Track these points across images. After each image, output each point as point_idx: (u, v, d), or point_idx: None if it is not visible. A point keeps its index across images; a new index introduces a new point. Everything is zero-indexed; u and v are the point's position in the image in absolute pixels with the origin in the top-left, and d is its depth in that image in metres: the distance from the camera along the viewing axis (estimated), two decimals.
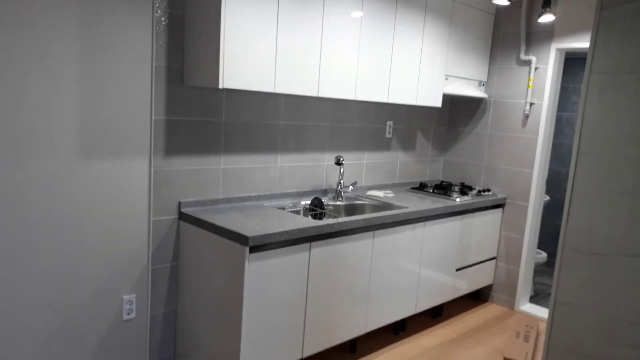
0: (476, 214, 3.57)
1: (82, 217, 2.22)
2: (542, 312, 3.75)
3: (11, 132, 1.98)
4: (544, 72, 3.58)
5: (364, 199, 3.27)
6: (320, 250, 2.50)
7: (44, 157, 2.07)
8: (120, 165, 2.30)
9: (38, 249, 2.11)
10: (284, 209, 2.86)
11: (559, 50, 3.52)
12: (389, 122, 3.61)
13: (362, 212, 3.20)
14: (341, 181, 3.19)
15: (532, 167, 3.67)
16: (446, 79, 3.49)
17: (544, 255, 4.29)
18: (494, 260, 3.90)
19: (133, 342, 2.47)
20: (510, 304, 3.85)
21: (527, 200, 3.72)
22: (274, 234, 2.23)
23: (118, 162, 2.29)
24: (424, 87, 3.28)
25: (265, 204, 2.83)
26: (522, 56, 3.64)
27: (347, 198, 3.26)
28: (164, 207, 2.48)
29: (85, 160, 2.19)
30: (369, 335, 3.21)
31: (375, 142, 3.54)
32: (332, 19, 2.62)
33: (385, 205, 3.15)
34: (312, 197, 3.11)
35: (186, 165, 2.52)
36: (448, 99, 4.10)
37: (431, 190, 3.65)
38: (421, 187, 3.74)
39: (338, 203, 3.17)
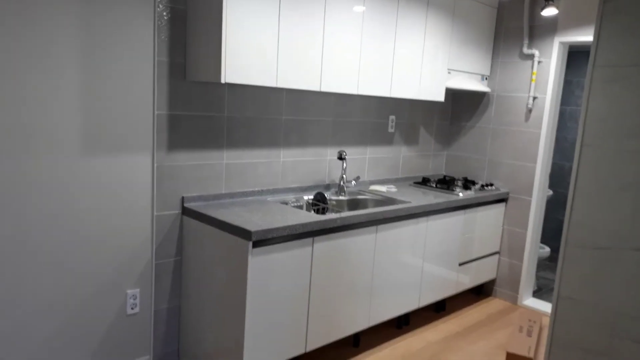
0: (479, 208, 3.57)
1: (85, 212, 2.23)
2: (545, 307, 3.75)
3: (13, 129, 1.99)
4: (547, 65, 3.56)
5: (366, 193, 3.27)
6: (323, 245, 2.51)
7: (46, 153, 2.08)
8: (123, 161, 2.31)
9: (41, 245, 2.12)
10: (286, 203, 2.86)
11: (562, 43, 3.50)
12: (392, 117, 3.61)
13: (365, 207, 3.20)
14: (344, 176, 3.19)
15: (535, 162, 3.66)
16: (449, 73, 3.48)
17: (547, 249, 4.29)
18: (497, 255, 3.90)
19: (137, 337, 2.49)
20: (513, 299, 3.85)
21: (530, 194, 3.71)
22: (277, 229, 2.24)
23: (121, 158, 2.30)
24: (426, 81, 3.27)
25: (268, 199, 2.83)
26: (525, 50, 3.62)
27: (350, 193, 3.26)
28: (167, 202, 2.48)
29: (88, 155, 2.20)
30: (373, 329, 3.22)
31: (377, 136, 3.54)
32: (334, 13, 2.61)
33: (388, 200, 3.15)
34: (314, 192, 3.12)
35: (189, 160, 2.53)
36: (451, 93, 4.09)
37: (434, 185, 3.65)
38: (424, 182, 3.73)
39: (341, 198, 3.17)
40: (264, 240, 2.23)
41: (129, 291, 2.42)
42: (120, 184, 2.31)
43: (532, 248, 3.76)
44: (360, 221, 2.65)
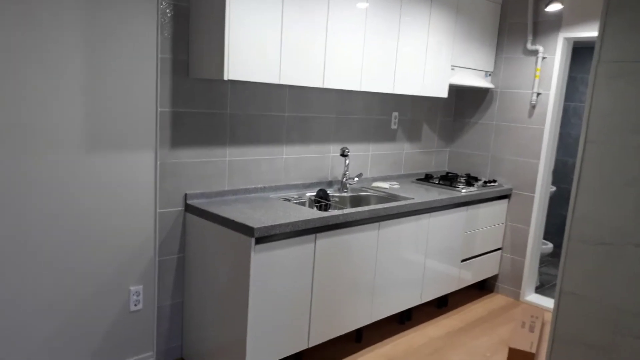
0: (482, 204, 3.57)
1: (88, 210, 2.23)
2: (547, 303, 3.75)
3: (15, 127, 1.99)
4: (551, 61, 3.55)
5: (369, 190, 3.27)
6: (326, 242, 2.51)
7: (49, 150, 2.09)
8: (126, 158, 2.31)
9: (45, 243, 2.13)
10: (289, 200, 2.87)
11: (566, 39, 3.48)
12: (395, 113, 3.60)
13: (368, 204, 3.20)
14: (346, 173, 3.19)
15: (538, 158, 3.65)
16: (452, 69, 3.47)
17: (550, 245, 4.28)
18: (500, 251, 3.89)
19: (140, 333, 2.50)
20: (516, 295, 3.85)
21: (533, 190, 3.70)
22: (280, 225, 2.24)
23: (124, 155, 2.30)
24: (429, 77, 3.26)
25: (271, 196, 2.84)
26: (529, 46, 3.61)
27: (353, 189, 3.26)
28: (170, 199, 2.49)
29: (91, 152, 2.21)
30: (375, 325, 3.22)
31: (380, 133, 3.53)
32: (337, 10, 2.61)
33: (390, 197, 3.15)
34: (317, 189, 3.12)
35: (192, 157, 2.53)
36: (454, 89, 4.08)
37: (437, 182, 3.65)
38: (427, 178, 3.73)
39: (343, 194, 3.17)
40: (266, 236, 2.23)
41: (132, 288, 2.43)
42: (123, 182, 2.32)
43: (535, 244, 3.76)
44: (362, 218, 2.65)
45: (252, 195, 2.80)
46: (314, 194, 3.04)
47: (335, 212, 2.54)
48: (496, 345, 3.10)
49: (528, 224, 3.75)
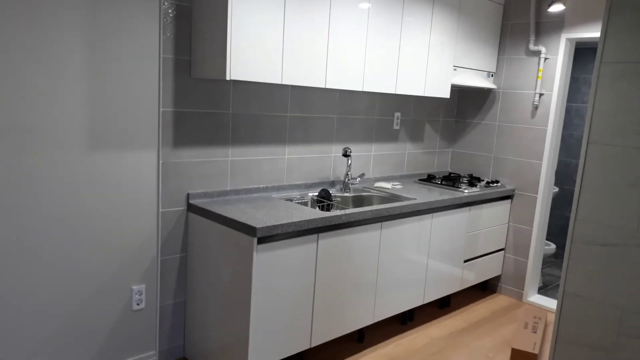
0: (484, 205, 3.56)
1: (90, 209, 2.24)
2: (550, 304, 3.74)
3: (18, 125, 2.00)
4: (554, 62, 3.54)
5: (371, 190, 3.27)
6: (328, 242, 2.51)
7: (52, 150, 2.09)
8: (129, 158, 2.32)
9: (47, 242, 2.14)
10: (291, 200, 2.87)
11: (569, 40, 3.48)
12: (397, 114, 3.60)
13: (370, 204, 3.20)
14: (349, 173, 3.19)
15: (541, 159, 3.65)
16: (454, 69, 3.47)
17: (553, 246, 4.27)
18: (502, 252, 3.89)
19: (142, 332, 2.50)
20: (519, 295, 3.84)
21: (536, 191, 3.70)
22: (282, 225, 2.24)
23: (126, 154, 2.31)
24: (432, 78, 3.26)
25: (273, 196, 2.84)
26: (532, 46, 3.60)
27: (355, 190, 3.26)
28: (172, 199, 2.49)
29: (94, 152, 2.21)
30: (377, 325, 3.22)
31: (382, 133, 3.53)
32: (339, 10, 2.61)
33: (393, 197, 3.15)
34: (319, 189, 3.12)
35: (194, 157, 2.53)
36: (456, 90, 4.07)
37: (439, 182, 3.64)
38: (429, 179, 3.73)
39: (346, 194, 3.18)
40: (269, 236, 2.23)
41: (135, 287, 2.44)
42: (125, 181, 2.32)
43: (538, 245, 3.75)
44: (365, 218, 2.65)
45: (255, 195, 2.80)
46: (316, 194, 3.04)
47: (337, 212, 2.54)
48: (499, 346, 3.10)
49: (531, 225, 3.74)
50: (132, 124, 2.30)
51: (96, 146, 2.21)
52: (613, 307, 1.78)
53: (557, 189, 4.59)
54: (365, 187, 3.32)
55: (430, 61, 3.22)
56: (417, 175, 3.89)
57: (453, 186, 3.51)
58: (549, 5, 3.43)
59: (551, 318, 3.53)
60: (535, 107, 3.65)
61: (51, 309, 2.19)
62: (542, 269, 4.60)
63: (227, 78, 2.21)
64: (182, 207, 2.54)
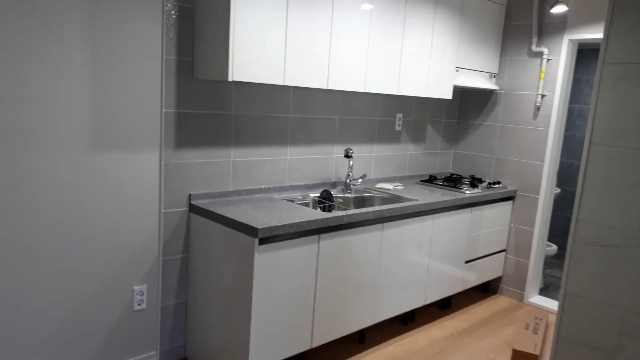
0: (486, 206, 3.56)
1: (92, 209, 2.24)
2: (551, 305, 3.74)
3: (19, 124, 2.00)
4: (556, 63, 3.54)
5: (373, 191, 3.27)
6: (329, 242, 2.51)
7: (53, 149, 2.10)
8: (131, 158, 2.32)
9: (49, 242, 2.14)
10: (293, 201, 2.87)
11: (571, 41, 3.48)
12: (399, 115, 3.60)
13: (372, 205, 3.20)
14: (350, 174, 3.19)
15: (543, 160, 3.65)
16: (457, 70, 3.47)
17: (554, 247, 4.27)
18: (504, 253, 3.89)
19: (144, 333, 2.51)
20: (520, 296, 3.84)
21: (537, 192, 3.69)
22: (283, 226, 2.25)
23: (128, 155, 2.31)
24: (434, 79, 3.26)
25: (275, 197, 2.84)
26: (534, 48, 3.60)
27: (356, 190, 3.26)
28: (174, 200, 2.50)
29: (96, 152, 2.22)
30: (378, 326, 3.22)
31: (384, 134, 3.54)
32: (341, 11, 2.61)
33: (394, 198, 3.15)
34: (321, 190, 3.12)
35: (196, 157, 2.54)
36: (458, 91, 4.07)
37: (441, 183, 3.64)
38: (431, 180, 3.73)
39: (347, 195, 3.18)
40: (270, 237, 2.24)
41: (136, 287, 2.44)
42: (127, 182, 2.33)
43: (539, 246, 3.75)
44: (366, 219, 2.65)
45: (256, 195, 2.81)
46: (318, 195, 3.04)
47: (339, 213, 2.54)
48: (500, 347, 3.10)
49: (532, 226, 3.74)
50: (134, 124, 2.31)
51: (98, 147, 2.22)
52: (615, 308, 1.78)
53: (559, 190, 4.58)
54: (366, 188, 3.33)
55: (432, 62, 3.22)
56: (419, 176, 3.88)
57: (455, 187, 3.51)
58: (552, 7, 3.42)
59: (552, 319, 3.53)
60: (538, 108, 3.65)
61: (52, 309, 2.20)
62: (543, 270, 4.59)
63: (230, 79, 2.21)
64: (184, 208, 2.54)
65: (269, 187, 2.87)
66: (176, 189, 2.50)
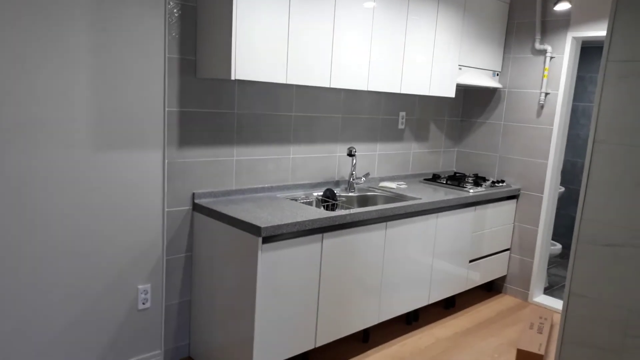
0: (490, 205, 3.55)
1: (96, 208, 2.25)
2: (556, 304, 3.73)
3: (25, 125, 2.01)
4: (560, 61, 3.52)
5: (376, 190, 3.27)
6: (333, 241, 2.51)
7: (58, 149, 2.10)
8: (134, 157, 2.33)
9: (53, 241, 2.15)
10: (296, 200, 2.87)
11: (575, 39, 3.46)
12: (402, 113, 3.59)
13: (375, 204, 3.20)
14: (353, 172, 3.19)
15: (546, 158, 3.63)
16: (460, 69, 3.46)
17: (559, 246, 4.25)
18: (508, 252, 3.87)
19: (148, 331, 2.51)
20: (524, 296, 3.83)
21: (541, 191, 3.68)
22: (287, 225, 2.25)
23: (132, 154, 2.32)
24: (437, 77, 3.25)
25: (278, 195, 2.84)
26: (537, 45, 3.59)
27: (360, 189, 3.26)
28: (178, 198, 2.50)
29: (99, 151, 2.22)
30: (382, 325, 3.22)
31: (387, 133, 3.53)
32: (344, 9, 2.61)
33: (398, 197, 3.14)
34: (324, 189, 3.12)
35: (200, 156, 2.54)
36: (462, 89, 4.06)
37: (444, 182, 3.63)
38: (434, 179, 3.72)
39: (350, 194, 3.17)
40: (273, 236, 2.24)
41: (140, 286, 2.45)
42: (131, 181, 2.33)
43: (544, 245, 3.74)
44: (369, 217, 2.64)
45: (260, 194, 2.81)
46: (321, 193, 3.04)
47: (342, 211, 2.54)
48: (504, 346, 3.09)
49: (537, 225, 3.72)
50: (138, 123, 2.31)
51: (101, 146, 2.22)
52: (619, 308, 1.77)
53: (563, 189, 4.57)
54: (370, 187, 3.32)
55: (435, 60, 3.21)
56: (422, 175, 3.88)
57: (458, 186, 3.50)
58: (555, 4, 3.41)
59: (557, 319, 3.52)
60: (541, 107, 3.63)
61: (57, 308, 2.20)
62: (547, 269, 4.58)
63: (232, 78, 2.21)
64: (188, 207, 2.55)
65: (272, 186, 2.87)
66: (180, 188, 2.50)
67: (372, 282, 2.79)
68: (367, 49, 2.78)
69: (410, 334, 3.16)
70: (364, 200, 3.21)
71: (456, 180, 3.65)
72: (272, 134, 2.83)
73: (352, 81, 2.74)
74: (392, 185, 3.38)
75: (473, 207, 3.40)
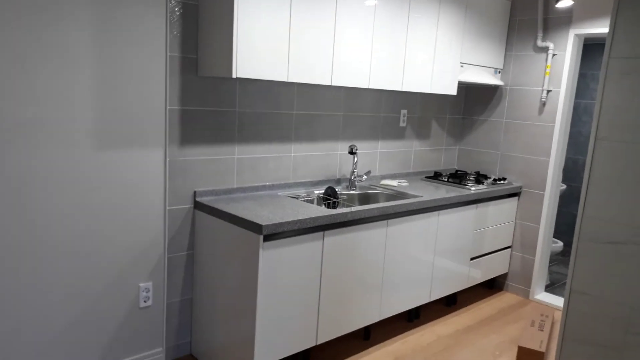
0: (491, 202, 3.55)
1: (98, 206, 2.25)
2: (557, 301, 3.72)
3: (27, 124, 2.01)
4: (562, 58, 3.52)
5: (377, 188, 3.27)
6: (334, 239, 2.51)
7: (59, 148, 2.11)
8: (136, 155, 2.33)
9: (55, 239, 2.15)
10: (297, 198, 2.87)
11: (577, 36, 3.45)
12: (403, 111, 3.59)
13: (376, 201, 3.20)
14: (355, 170, 3.18)
15: (548, 156, 3.63)
16: (461, 66, 3.45)
17: (560, 244, 4.25)
18: (509, 249, 3.87)
19: (149, 329, 2.52)
20: (526, 293, 3.83)
21: (543, 189, 3.67)
22: (288, 223, 2.25)
23: (133, 152, 2.32)
24: (438, 74, 3.25)
25: (279, 193, 2.84)
26: (539, 43, 3.58)
27: (361, 187, 3.26)
28: (179, 197, 2.50)
29: (101, 150, 2.22)
30: (383, 322, 3.22)
31: (389, 131, 3.53)
32: (345, 7, 2.60)
33: (399, 194, 3.14)
34: (325, 187, 3.12)
35: (201, 154, 2.54)
36: (463, 86, 4.06)
37: (446, 179, 3.63)
38: (436, 176, 3.72)
39: (352, 192, 3.17)
40: (274, 234, 2.24)
41: (142, 284, 2.45)
42: (132, 179, 2.34)
43: (545, 242, 3.73)
44: (371, 215, 2.64)
45: (261, 192, 2.81)
46: (322, 191, 3.04)
47: (343, 209, 2.54)
48: (505, 343, 3.09)
49: (538, 222, 3.72)
50: (139, 122, 2.31)
51: (103, 145, 2.22)
52: (621, 305, 1.77)
53: (564, 187, 4.56)
54: (371, 185, 3.32)
55: (436, 58, 3.21)
56: (424, 173, 3.87)
57: (460, 184, 3.50)
58: (557, 1, 3.40)
59: (558, 316, 3.52)
60: (543, 104, 3.63)
61: (59, 306, 2.21)
62: (549, 266, 4.58)
63: (234, 76, 2.21)
64: (189, 205, 2.55)
65: (273, 184, 2.87)
66: (181, 186, 2.50)
67: (374, 279, 2.79)
68: (369, 47, 2.77)
69: (411, 331, 3.16)
70: (365, 198, 3.21)
71: (458, 178, 3.65)
72: (273, 132, 2.83)
73: (353, 79, 2.74)
74: (394, 183, 3.38)
75: (474, 205, 3.40)
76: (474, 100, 4.02)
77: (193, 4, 2.39)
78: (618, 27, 1.72)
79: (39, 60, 1.99)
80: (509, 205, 3.74)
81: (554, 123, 3.58)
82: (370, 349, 2.90)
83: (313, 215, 2.36)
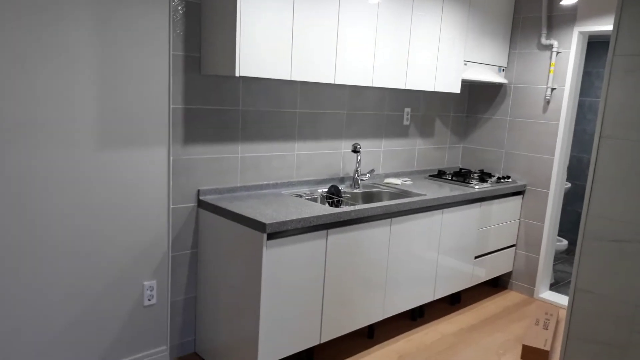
0: (495, 201, 3.54)
1: (102, 205, 2.26)
2: (562, 300, 3.71)
3: (30, 123, 2.02)
4: (566, 56, 3.50)
5: (381, 186, 3.27)
6: (338, 238, 2.51)
7: (63, 147, 2.11)
8: (140, 154, 2.34)
9: (59, 238, 2.16)
10: (301, 196, 2.87)
11: (581, 33, 3.43)
12: (407, 109, 3.58)
13: (380, 200, 3.20)
14: (358, 169, 3.18)
15: (552, 154, 3.61)
16: (465, 64, 3.44)
17: (565, 242, 4.24)
18: (514, 248, 3.86)
19: (154, 328, 2.53)
20: (530, 292, 3.81)
21: (547, 187, 3.66)
22: (291, 221, 2.25)
23: (137, 151, 2.33)
24: (442, 72, 3.24)
25: (283, 192, 2.84)
26: (543, 40, 3.56)
27: (365, 186, 3.25)
28: (183, 195, 2.51)
29: (105, 149, 2.23)
30: (387, 321, 3.22)
31: (392, 129, 3.52)
32: (348, 5, 2.60)
33: (402, 193, 3.14)
34: (329, 185, 3.12)
35: (204, 153, 2.55)
36: (467, 84, 4.04)
37: (450, 178, 3.62)
38: (439, 175, 3.71)
39: (355, 190, 3.17)
40: (278, 232, 2.24)
41: (146, 283, 2.46)
42: (136, 178, 2.34)
43: (550, 241, 3.72)
44: (374, 214, 2.64)
45: (264, 191, 2.81)
46: (326, 190, 3.04)
47: (347, 208, 2.54)
48: (510, 342, 3.08)
49: (542, 221, 3.71)
50: (143, 121, 2.32)
51: (107, 143, 2.23)
52: (625, 304, 1.76)
53: (569, 185, 4.54)
54: (374, 183, 3.32)
55: (440, 56, 3.20)
56: (428, 171, 3.87)
57: (464, 182, 3.49)
58: None
59: (563, 315, 3.50)
60: (547, 102, 3.61)
61: (63, 304, 2.22)
62: (554, 265, 4.56)
63: (237, 74, 2.21)
64: (193, 204, 2.56)
65: (276, 183, 2.88)
66: (185, 185, 2.51)
67: (377, 278, 2.79)
68: (372, 45, 2.77)
69: (415, 329, 3.16)
70: (368, 197, 3.21)
71: (461, 176, 3.64)
72: (276, 130, 2.83)
73: (356, 77, 2.73)
74: (397, 181, 3.38)
75: (478, 203, 3.39)
76: (477, 98, 4.01)
77: (196, 3, 2.39)
78: (622, 25, 1.71)
79: (39, 60, 2.00)
80: (513, 204, 3.73)
81: (559, 121, 3.56)
82: (374, 348, 2.90)
83: (316, 214, 2.36)
